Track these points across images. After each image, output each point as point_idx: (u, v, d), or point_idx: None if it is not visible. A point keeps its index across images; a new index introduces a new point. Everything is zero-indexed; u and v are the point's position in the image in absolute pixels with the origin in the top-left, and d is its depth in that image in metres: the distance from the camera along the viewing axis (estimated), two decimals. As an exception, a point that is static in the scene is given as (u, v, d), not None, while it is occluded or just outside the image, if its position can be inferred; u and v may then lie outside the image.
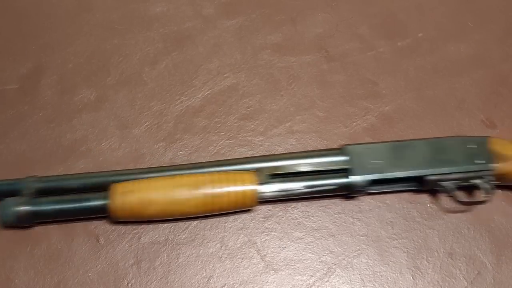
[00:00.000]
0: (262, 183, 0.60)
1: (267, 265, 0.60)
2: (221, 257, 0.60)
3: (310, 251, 0.61)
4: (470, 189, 0.63)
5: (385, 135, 0.68)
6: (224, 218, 0.62)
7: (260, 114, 0.70)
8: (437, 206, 0.63)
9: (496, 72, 0.74)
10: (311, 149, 0.67)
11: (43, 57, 0.74)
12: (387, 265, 0.60)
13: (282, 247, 0.61)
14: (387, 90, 0.72)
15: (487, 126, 0.70)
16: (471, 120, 0.70)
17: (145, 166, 0.64)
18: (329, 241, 0.61)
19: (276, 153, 0.66)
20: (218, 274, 0.59)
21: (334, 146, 0.66)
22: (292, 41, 0.77)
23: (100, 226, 0.61)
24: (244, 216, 0.62)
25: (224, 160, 0.64)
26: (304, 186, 0.61)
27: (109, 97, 0.71)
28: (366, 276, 0.59)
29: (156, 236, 0.61)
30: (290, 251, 0.61)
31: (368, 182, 0.60)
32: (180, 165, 0.63)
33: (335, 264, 0.60)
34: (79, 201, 0.59)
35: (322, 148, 0.67)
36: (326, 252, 0.61)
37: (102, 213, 0.59)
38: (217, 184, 0.59)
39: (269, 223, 0.62)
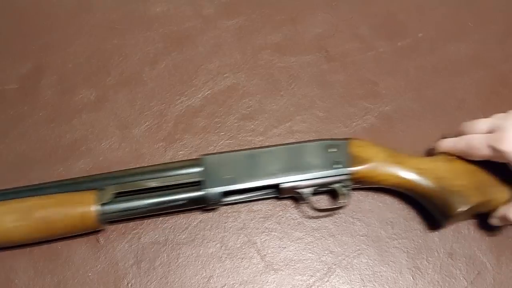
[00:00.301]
0: (105, 203, 0.57)
1: (267, 265, 0.60)
2: (221, 257, 0.60)
3: (310, 251, 0.61)
4: (333, 193, 0.63)
5: (385, 135, 0.68)
6: (224, 218, 0.62)
7: (260, 114, 0.70)
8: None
9: (496, 72, 0.74)
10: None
11: (43, 57, 0.74)
12: (387, 265, 0.60)
13: (282, 247, 0.61)
14: (387, 90, 0.72)
15: (487, 126, 0.69)
16: (471, 120, 0.70)
17: None
18: (329, 241, 0.61)
19: (123, 168, 0.61)
20: (218, 274, 0.59)
21: (193, 157, 0.63)
22: (292, 41, 0.77)
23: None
24: (244, 216, 0.62)
25: (66, 180, 0.60)
26: (152, 204, 0.58)
27: (109, 97, 0.71)
28: (366, 276, 0.59)
29: (156, 236, 0.61)
30: (290, 251, 0.61)
31: (221, 194, 0.58)
32: (17, 188, 0.59)
33: (335, 264, 0.60)
34: None
35: (177, 160, 0.64)
36: (326, 252, 0.61)
37: None
38: (51, 207, 0.55)
39: (269, 223, 0.62)
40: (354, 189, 0.62)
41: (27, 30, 0.77)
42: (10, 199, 0.57)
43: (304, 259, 0.60)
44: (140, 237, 0.61)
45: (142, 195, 0.58)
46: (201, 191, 0.58)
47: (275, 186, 0.59)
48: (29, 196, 0.57)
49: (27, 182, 0.63)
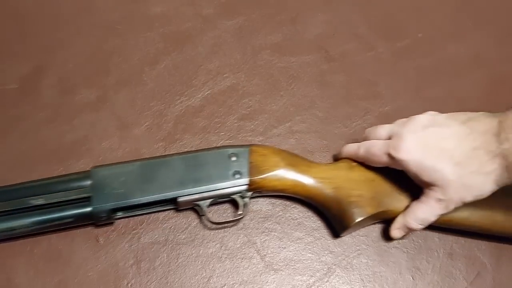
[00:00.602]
0: None
1: (267, 265, 0.60)
2: (221, 257, 0.60)
3: (310, 251, 0.61)
4: (233, 203, 0.62)
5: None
6: (224, 218, 0.62)
7: (260, 114, 0.70)
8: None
9: (496, 72, 0.74)
10: (310, 148, 0.67)
11: (43, 57, 0.74)
12: (387, 266, 0.60)
13: (282, 247, 0.61)
14: (386, 91, 0.72)
15: (487, 127, 0.69)
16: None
17: None
18: (329, 241, 0.61)
19: (6, 184, 0.58)
20: (218, 274, 0.59)
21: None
22: (292, 41, 0.77)
23: (100, 226, 0.61)
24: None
25: None
26: (37, 222, 0.55)
27: (109, 97, 0.71)
28: (366, 276, 0.59)
29: (156, 236, 0.61)
30: (290, 251, 0.61)
31: (110, 211, 0.55)
32: None
33: (335, 264, 0.60)
34: None
35: (66, 173, 0.59)
36: (326, 252, 0.61)
37: None
38: None
39: (269, 223, 0.62)
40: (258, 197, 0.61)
41: (27, 30, 0.77)
42: None
43: (304, 259, 0.60)
44: (140, 237, 0.61)
45: (25, 213, 0.55)
46: (88, 207, 0.55)
47: (172, 200, 0.57)
48: None
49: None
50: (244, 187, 0.58)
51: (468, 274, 0.60)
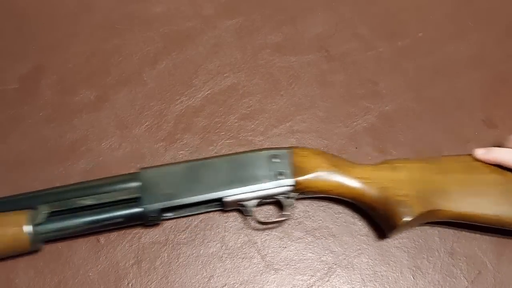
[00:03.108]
0: (37, 223, 0.54)
1: (268, 265, 0.60)
2: (222, 257, 0.60)
3: (310, 251, 0.61)
4: (278, 205, 0.62)
5: (385, 134, 0.68)
6: (224, 218, 0.62)
7: (260, 114, 0.70)
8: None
9: (496, 72, 0.74)
10: (311, 147, 0.67)
11: (43, 57, 0.74)
12: (387, 265, 0.60)
13: (283, 247, 0.61)
14: (387, 90, 0.72)
15: (488, 126, 0.70)
16: (471, 120, 0.70)
17: None
18: (329, 241, 0.61)
19: (56, 185, 0.59)
20: (219, 274, 0.59)
21: (132, 171, 0.60)
22: (292, 41, 0.77)
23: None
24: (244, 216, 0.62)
25: None
26: (87, 222, 0.55)
27: (109, 97, 0.71)
28: (367, 276, 0.59)
29: (157, 236, 0.61)
30: (291, 251, 0.61)
31: (159, 211, 0.56)
32: None
33: (335, 264, 0.60)
34: None
35: (114, 175, 0.60)
36: (327, 252, 0.61)
37: None
38: None
39: (264, 223, 0.62)
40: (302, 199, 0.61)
41: (27, 30, 0.77)
42: None
43: (304, 259, 0.60)
44: (140, 237, 0.61)
45: (77, 213, 0.56)
46: (138, 208, 0.56)
47: (218, 200, 0.58)
48: None
49: (27, 182, 0.63)
50: (289, 188, 0.58)
51: (469, 273, 0.60)
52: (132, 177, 0.58)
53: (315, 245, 0.61)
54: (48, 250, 0.59)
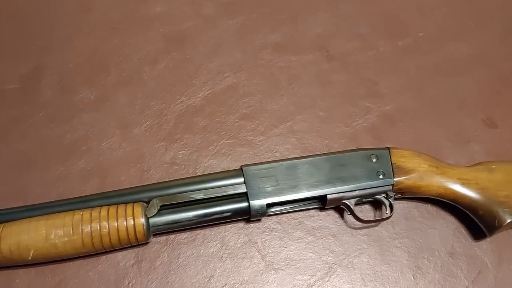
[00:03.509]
0: (152, 216, 0.56)
1: (268, 265, 0.60)
2: (222, 256, 0.60)
3: (311, 251, 0.61)
4: (375, 203, 0.62)
5: (386, 134, 0.68)
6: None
7: (261, 113, 0.70)
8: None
9: (497, 72, 0.74)
10: (311, 148, 0.67)
11: (43, 57, 0.74)
12: (388, 265, 0.60)
13: (283, 247, 0.61)
14: (387, 90, 0.72)
15: (488, 126, 0.69)
16: (472, 119, 0.70)
17: (29, 203, 0.58)
18: (330, 241, 0.61)
19: (168, 179, 0.61)
20: (219, 274, 0.59)
21: (234, 168, 0.63)
22: (292, 41, 0.77)
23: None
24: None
25: (112, 191, 0.59)
26: (198, 215, 0.57)
27: (109, 97, 0.71)
28: (367, 275, 0.59)
29: (156, 236, 0.61)
30: (291, 251, 0.60)
31: (265, 206, 0.58)
32: (62, 200, 0.58)
33: (336, 264, 0.60)
34: None
35: (217, 171, 0.63)
36: (327, 252, 0.61)
37: None
38: (101, 221, 0.54)
39: (269, 222, 0.62)
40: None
41: (27, 30, 0.77)
42: (54, 212, 0.56)
43: (305, 259, 0.60)
44: (140, 237, 0.61)
45: (187, 207, 0.58)
46: (245, 202, 0.58)
47: (321, 197, 0.59)
48: (73, 210, 0.56)
49: (27, 182, 0.63)
50: (389, 187, 0.59)
51: (469, 273, 0.60)
52: (235, 173, 0.59)
53: (315, 245, 0.61)
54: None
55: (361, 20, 0.79)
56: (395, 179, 0.59)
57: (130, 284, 0.58)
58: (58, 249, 0.54)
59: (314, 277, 0.59)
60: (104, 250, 0.56)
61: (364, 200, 0.60)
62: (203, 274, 0.59)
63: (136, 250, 0.60)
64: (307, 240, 0.61)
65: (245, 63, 0.74)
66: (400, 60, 0.75)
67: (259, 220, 0.61)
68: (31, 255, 0.53)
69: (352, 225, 0.62)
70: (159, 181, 0.61)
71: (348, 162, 0.60)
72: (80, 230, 0.54)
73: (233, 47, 0.76)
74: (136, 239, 0.56)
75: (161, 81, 0.73)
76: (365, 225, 0.61)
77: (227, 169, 0.63)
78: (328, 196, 0.58)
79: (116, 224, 0.54)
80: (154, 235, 0.59)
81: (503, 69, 0.74)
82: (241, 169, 0.60)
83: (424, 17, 0.80)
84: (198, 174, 0.64)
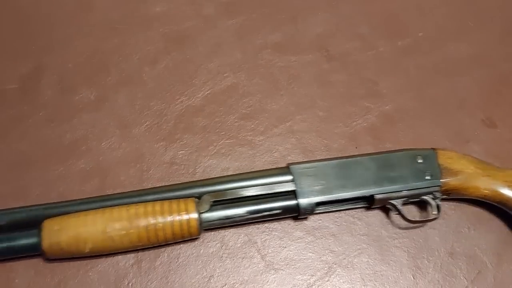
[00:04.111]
0: (204, 211, 0.57)
1: (268, 265, 0.60)
2: (222, 256, 0.60)
3: (310, 251, 0.61)
4: (420, 204, 0.62)
5: (386, 134, 0.68)
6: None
7: (261, 113, 0.70)
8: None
9: (497, 72, 0.74)
10: (310, 148, 0.67)
11: (43, 57, 0.74)
12: (387, 265, 0.60)
13: (283, 247, 0.61)
14: (387, 90, 0.72)
15: (487, 126, 0.70)
16: (471, 119, 0.70)
17: (82, 197, 0.59)
18: (329, 241, 0.61)
19: (217, 176, 0.63)
20: (219, 274, 0.59)
21: (281, 165, 0.62)
22: (292, 41, 0.77)
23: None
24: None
25: (163, 186, 0.60)
26: (248, 212, 0.58)
27: (109, 96, 0.71)
28: (367, 275, 0.59)
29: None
30: (291, 251, 0.60)
31: (314, 204, 0.58)
32: (116, 194, 0.59)
33: (335, 264, 0.60)
34: (8, 241, 0.55)
35: (264, 169, 0.64)
36: (327, 252, 0.61)
37: (34, 252, 0.55)
38: (156, 215, 0.55)
39: (269, 222, 0.62)
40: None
41: (27, 30, 0.77)
42: (108, 206, 0.57)
43: (304, 259, 0.60)
44: (140, 237, 0.61)
45: (238, 203, 0.58)
46: (294, 200, 0.58)
47: (368, 197, 0.59)
48: (127, 204, 0.57)
49: (27, 182, 0.63)
50: (437, 188, 0.59)
51: (469, 273, 0.60)
52: (283, 171, 0.60)
53: (315, 245, 0.61)
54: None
55: (361, 20, 0.79)
56: (442, 180, 0.59)
57: (130, 284, 0.58)
58: (114, 242, 0.55)
59: (314, 277, 0.59)
60: (158, 244, 0.57)
61: (410, 201, 0.60)
62: (203, 274, 0.59)
63: (135, 250, 0.60)
64: (306, 240, 0.61)
65: (245, 63, 0.74)
66: (400, 60, 0.75)
67: (305, 218, 0.62)
68: (89, 247, 0.54)
69: (352, 225, 0.62)
70: (208, 177, 0.61)
71: (395, 162, 0.60)
72: (136, 224, 0.55)
73: (233, 47, 0.76)
74: (190, 234, 0.56)
75: (161, 81, 0.73)
76: (407, 226, 0.61)
77: (273, 167, 0.63)
78: (376, 196, 0.59)
79: (170, 219, 0.55)
80: (205, 230, 0.59)
81: (503, 69, 0.74)
82: (288, 167, 0.60)
83: (424, 17, 0.80)
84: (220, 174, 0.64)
